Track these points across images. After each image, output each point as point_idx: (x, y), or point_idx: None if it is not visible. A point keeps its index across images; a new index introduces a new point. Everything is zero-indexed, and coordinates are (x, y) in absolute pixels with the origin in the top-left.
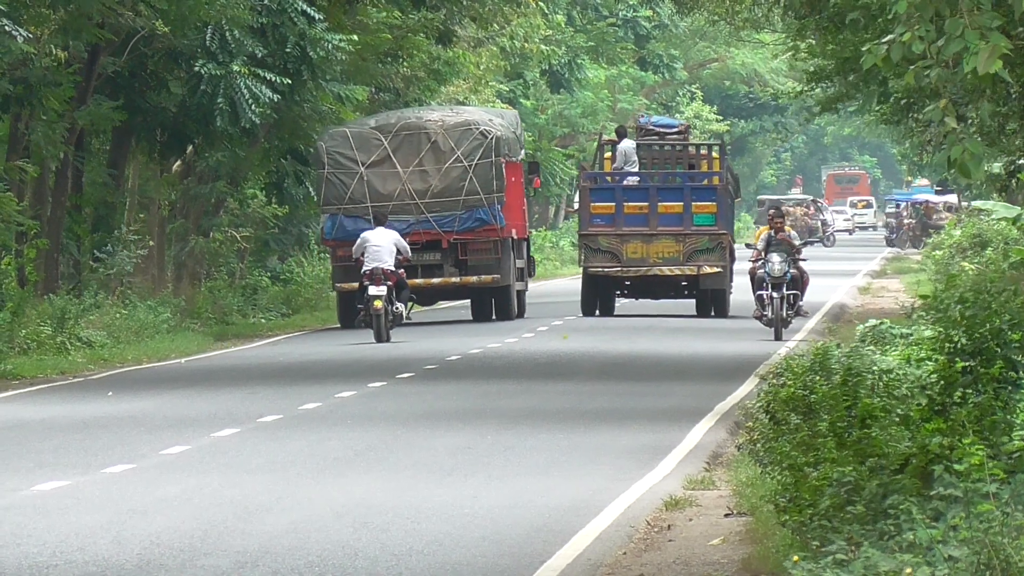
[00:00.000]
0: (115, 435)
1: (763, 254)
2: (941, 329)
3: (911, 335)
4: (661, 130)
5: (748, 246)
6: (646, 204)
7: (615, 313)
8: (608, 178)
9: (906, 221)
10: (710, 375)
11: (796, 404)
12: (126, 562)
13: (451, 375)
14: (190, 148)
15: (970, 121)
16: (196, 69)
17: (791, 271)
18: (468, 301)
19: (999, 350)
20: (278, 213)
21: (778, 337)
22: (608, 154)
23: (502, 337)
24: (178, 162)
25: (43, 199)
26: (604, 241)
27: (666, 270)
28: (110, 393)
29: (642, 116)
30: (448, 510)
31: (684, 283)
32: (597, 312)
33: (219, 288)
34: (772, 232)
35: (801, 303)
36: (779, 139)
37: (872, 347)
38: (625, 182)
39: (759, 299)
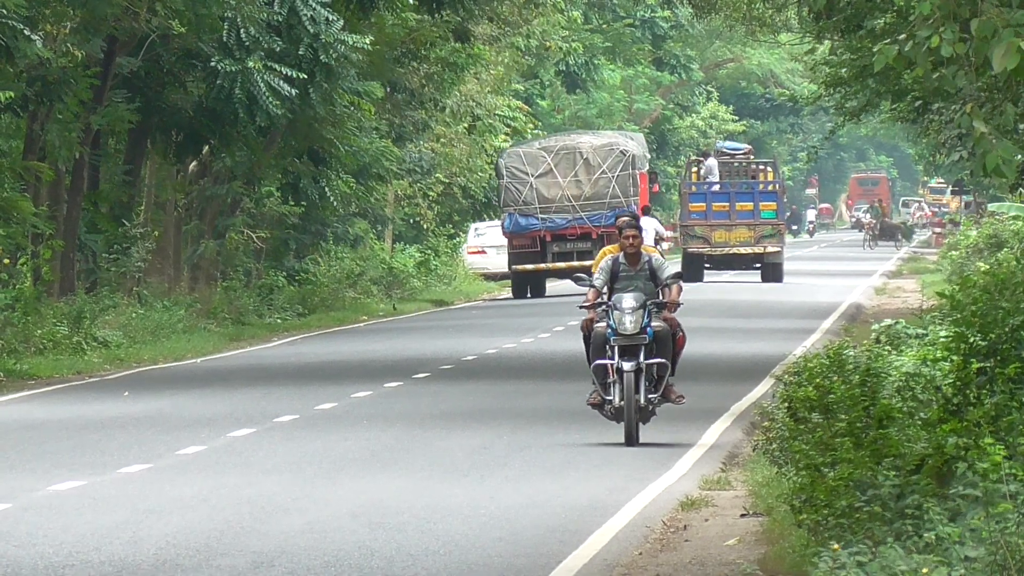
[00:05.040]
0: (131, 435)
1: (603, 294)
2: (956, 329)
3: (926, 335)
4: (732, 151)
5: (577, 280)
6: (727, 204)
7: (704, 280)
8: (703, 186)
9: (864, 221)
10: (725, 375)
11: (813, 404)
12: (142, 562)
13: (467, 375)
14: (206, 148)
15: (994, 123)
16: (212, 64)
17: (652, 324)
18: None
19: (1015, 350)
20: (295, 211)
21: (631, 440)
22: (695, 169)
23: (518, 337)
24: (194, 162)
25: (59, 199)
26: (699, 230)
27: (742, 250)
28: (126, 393)
29: (717, 142)
30: (464, 510)
31: (753, 259)
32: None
33: (235, 288)
34: (621, 255)
35: (671, 380)
36: (800, 141)
37: (888, 347)
38: (712, 188)
39: (598, 373)
